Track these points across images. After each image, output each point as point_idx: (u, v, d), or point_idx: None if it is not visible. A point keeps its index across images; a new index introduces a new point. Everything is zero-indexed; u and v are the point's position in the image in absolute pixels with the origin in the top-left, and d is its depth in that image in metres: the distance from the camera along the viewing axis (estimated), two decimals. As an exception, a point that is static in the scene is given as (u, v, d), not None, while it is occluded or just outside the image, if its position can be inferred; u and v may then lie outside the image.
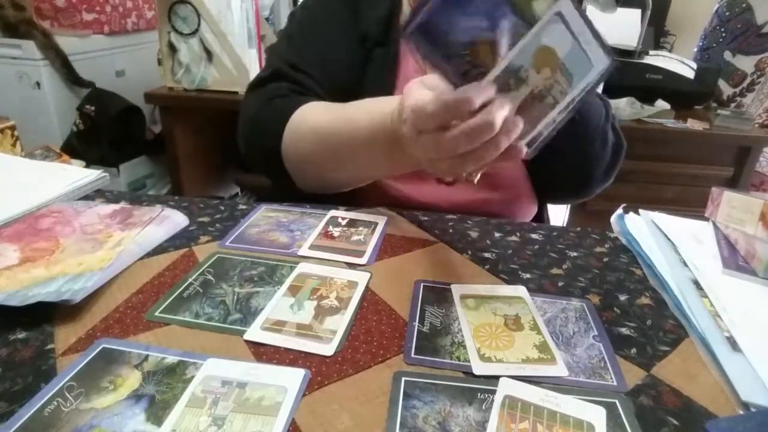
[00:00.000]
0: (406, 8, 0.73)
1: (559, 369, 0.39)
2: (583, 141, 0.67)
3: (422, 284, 0.49)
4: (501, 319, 0.44)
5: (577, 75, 0.41)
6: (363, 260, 0.52)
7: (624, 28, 1.76)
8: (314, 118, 0.63)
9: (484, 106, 0.40)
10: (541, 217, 0.84)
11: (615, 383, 0.38)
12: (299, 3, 0.79)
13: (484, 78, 0.40)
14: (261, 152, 0.67)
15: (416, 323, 0.43)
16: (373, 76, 0.70)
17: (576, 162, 0.69)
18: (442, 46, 0.40)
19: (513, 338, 0.42)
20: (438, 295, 0.47)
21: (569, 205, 1.63)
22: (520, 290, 0.48)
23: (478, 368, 0.38)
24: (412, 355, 0.39)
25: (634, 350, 0.42)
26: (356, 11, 0.71)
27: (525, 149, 0.42)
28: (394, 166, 0.60)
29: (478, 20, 0.40)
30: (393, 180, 0.71)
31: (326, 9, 0.73)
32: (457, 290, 0.48)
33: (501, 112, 0.39)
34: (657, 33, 2.06)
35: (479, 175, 0.53)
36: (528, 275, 0.52)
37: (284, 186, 0.67)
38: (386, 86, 0.69)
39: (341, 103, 0.62)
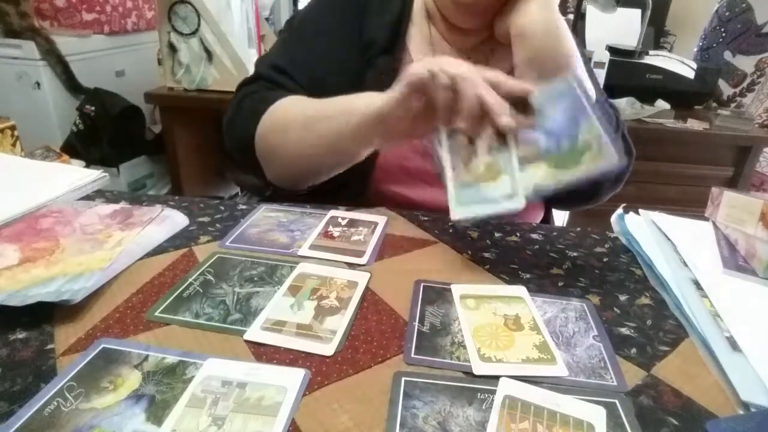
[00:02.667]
0: (415, 15, 0.73)
1: (559, 369, 0.39)
2: None
3: (422, 284, 0.49)
4: (501, 319, 0.44)
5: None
6: (363, 260, 0.52)
7: (624, 28, 1.76)
8: (293, 101, 0.65)
9: None
10: (546, 221, 0.84)
11: (615, 383, 0.38)
12: (300, 9, 0.80)
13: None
14: (236, 142, 0.70)
15: (416, 323, 0.43)
16: (373, 82, 0.69)
17: None
18: None
19: (513, 338, 0.42)
20: (438, 295, 0.47)
21: (570, 207, 1.63)
22: (520, 290, 0.48)
23: (478, 368, 0.38)
24: (412, 355, 0.39)
25: (634, 350, 0.42)
26: (362, 19, 0.71)
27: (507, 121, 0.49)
28: (359, 139, 0.61)
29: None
30: (396, 185, 0.70)
31: (330, 15, 0.73)
32: (457, 290, 0.48)
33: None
34: (657, 33, 2.06)
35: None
36: (528, 275, 0.52)
37: (267, 184, 0.70)
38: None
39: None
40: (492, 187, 0.50)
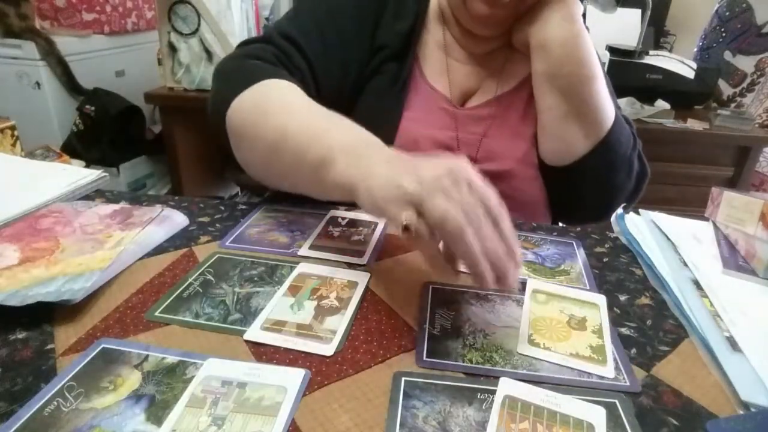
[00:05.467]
0: (430, 20, 0.71)
1: (607, 370, 0.38)
2: (609, 170, 0.66)
3: (431, 286, 0.48)
4: (566, 317, 0.45)
5: None
6: (363, 260, 0.52)
7: (624, 28, 1.76)
8: (278, 98, 0.55)
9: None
10: None
11: (627, 383, 0.38)
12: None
13: None
14: (211, 108, 0.60)
15: (426, 325, 0.43)
16: (380, 88, 0.68)
17: (600, 190, 0.68)
18: None
19: (570, 334, 0.42)
20: (447, 297, 0.47)
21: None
22: (599, 299, 0.48)
23: (523, 348, 0.39)
24: (424, 359, 0.39)
25: (634, 350, 0.42)
26: (379, 19, 0.68)
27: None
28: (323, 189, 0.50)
29: None
30: None
31: (348, 4, 0.68)
32: (531, 285, 0.48)
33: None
34: (657, 33, 2.06)
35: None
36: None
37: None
38: (395, 102, 0.67)
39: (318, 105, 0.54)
40: None
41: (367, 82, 0.69)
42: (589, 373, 0.38)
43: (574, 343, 0.41)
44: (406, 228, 0.39)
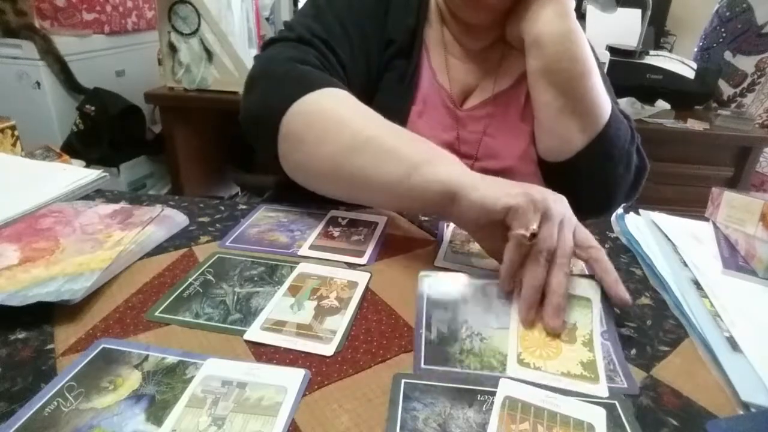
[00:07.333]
0: (431, 16, 0.71)
1: (599, 389, 0.37)
2: (607, 163, 0.66)
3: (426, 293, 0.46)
4: None
5: None
6: (363, 260, 0.52)
7: (624, 28, 1.76)
8: (348, 105, 0.55)
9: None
10: None
11: (625, 385, 0.37)
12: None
13: None
14: (259, 111, 0.58)
15: (422, 331, 0.42)
16: (389, 85, 0.68)
17: (599, 184, 0.68)
18: None
19: (560, 349, 0.40)
20: (444, 301, 0.45)
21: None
22: (591, 290, 0.44)
23: (513, 369, 0.38)
24: (422, 366, 0.38)
25: (634, 350, 0.42)
26: (386, 12, 0.68)
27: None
28: (407, 206, 0.54)
29: None
30: None
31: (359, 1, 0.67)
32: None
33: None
34: (657, 33, 2.06)
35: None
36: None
37: (287, 184, 0.61)
38: (403, 99, 0.67)
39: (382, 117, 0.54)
40: None
41: (380, 78, 0.68)
42: (583, 393, 0.37)
43: (564, 360, 0.40)
44: (534, 235, 0.42)
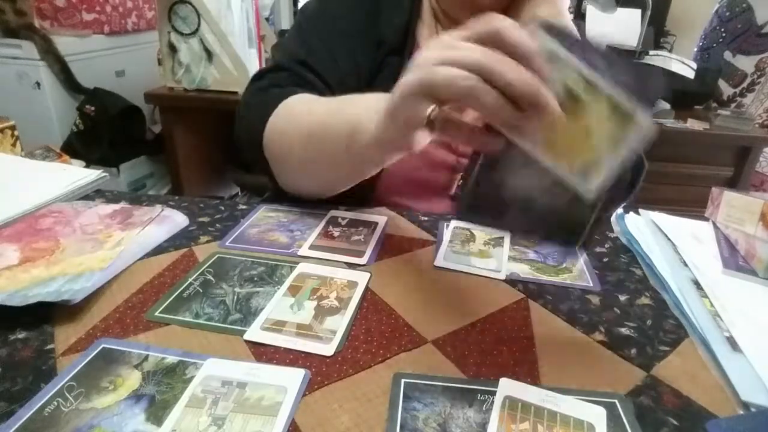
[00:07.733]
0: (425, 15, 0.71)
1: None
2: None
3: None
4: None
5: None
6: (363, 260, 0.52)
7: (624, 28, 1.76)
8: (299, 106, 0.59)
9: None
10: None
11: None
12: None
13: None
14: (246, 142, 0.64)
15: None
16: (384, 84, 0.67)
17: None
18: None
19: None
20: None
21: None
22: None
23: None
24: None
25: (634, 350, 0.42)
26: (376, 12, 0.69)
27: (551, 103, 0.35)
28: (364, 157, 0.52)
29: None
30: (402, 197, 0.70)
31: (342, 6, 0.69)
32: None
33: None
34: (657, 33, 2.06)
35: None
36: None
37: (279, 188, 0.65)
38: None
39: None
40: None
41: (374, 79, 0.69)
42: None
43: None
44: (430, 121, 0.37)
